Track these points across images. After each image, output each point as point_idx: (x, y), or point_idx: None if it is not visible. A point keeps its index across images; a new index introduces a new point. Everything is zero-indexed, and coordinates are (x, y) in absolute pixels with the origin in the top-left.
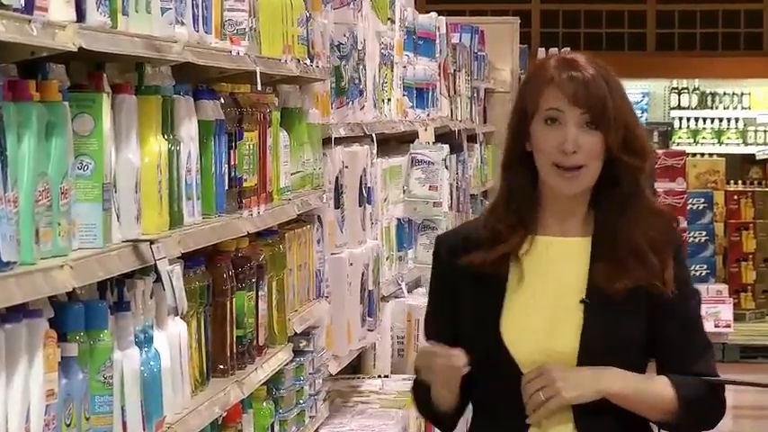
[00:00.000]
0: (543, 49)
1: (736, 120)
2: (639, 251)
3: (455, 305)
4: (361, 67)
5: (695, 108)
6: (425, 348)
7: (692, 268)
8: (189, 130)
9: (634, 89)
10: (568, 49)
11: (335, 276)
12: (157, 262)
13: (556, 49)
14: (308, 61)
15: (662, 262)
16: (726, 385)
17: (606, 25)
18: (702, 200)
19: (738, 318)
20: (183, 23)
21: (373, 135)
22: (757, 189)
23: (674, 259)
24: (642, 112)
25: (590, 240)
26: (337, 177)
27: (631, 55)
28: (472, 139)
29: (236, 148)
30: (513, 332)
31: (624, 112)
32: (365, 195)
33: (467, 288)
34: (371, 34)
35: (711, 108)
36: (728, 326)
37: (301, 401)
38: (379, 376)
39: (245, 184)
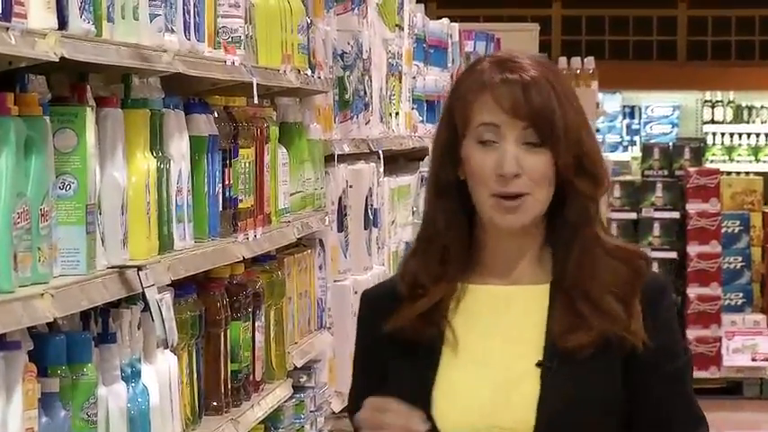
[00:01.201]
0: (565, 58)
1: None
2: (596, 297)
3: (383, 385)
4: (366, 77)
5: (730, 122)
6: (377, 402)
7: (727, 297)
8: (179, 146)
9: (663, 102)
10: (592, 59)
11: (339, 306)
12: (145, 290)
13: (579, 58)
14: (308, 72)
15: (627, 308)
16: None
17: (633, 32)
18: (738, 222)
19: None
20: (173, 31)
21: (380, 152)
22: None
23: (650, 305)
24: (672, 127)
25: (548, 288)
26: (341, 198)
27: (661, 65)
28: None
29: (230, 166)
30: (448, 409)
31: (577, 124)
32: (371, 217)
33: (396, 360)
34: (378, 42)
35: (748, 122)
36: (767, 360)
37: None
38: None
39: (240, 206)
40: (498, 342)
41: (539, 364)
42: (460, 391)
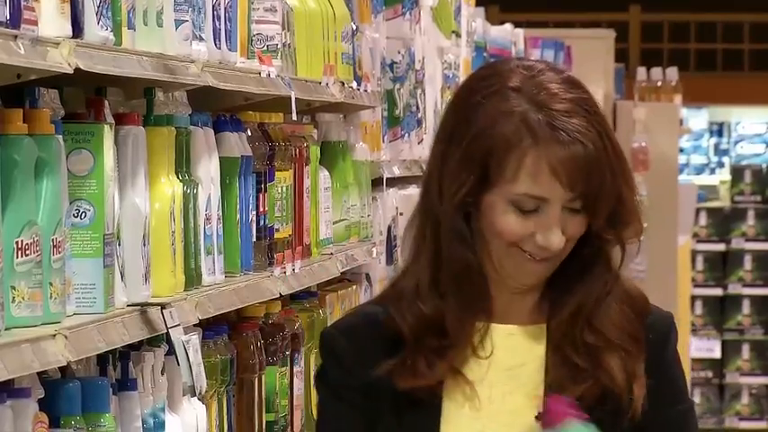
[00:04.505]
0: (644, 68)
1: None
2: (597, 351)
3: None
4: (419, 91)
5: None
6: None
7: None
8: (208, 169)
9: (756, 118)
10: (675, 69)
11: None
12: (170, 330)
13: (659, 68)
14: (354, 84)
15: (628, 367)
16: None
17: (722, 39)
18: None
19: None
20: (201, 39)
21: None
22: None
23: (654, 347)
24: (766, 147)
25: (544, 328)
26: (390, 227)
27: (753, 76)
28: None
29: (265, 191)
30: None
31: (620, 179)
32: None
33: (391, 411)
34: (432, 51)
35: None
36: None
37: None
38: None
39: (276, 236)
40: (499, 389)
41: (538, 417)
42: None
